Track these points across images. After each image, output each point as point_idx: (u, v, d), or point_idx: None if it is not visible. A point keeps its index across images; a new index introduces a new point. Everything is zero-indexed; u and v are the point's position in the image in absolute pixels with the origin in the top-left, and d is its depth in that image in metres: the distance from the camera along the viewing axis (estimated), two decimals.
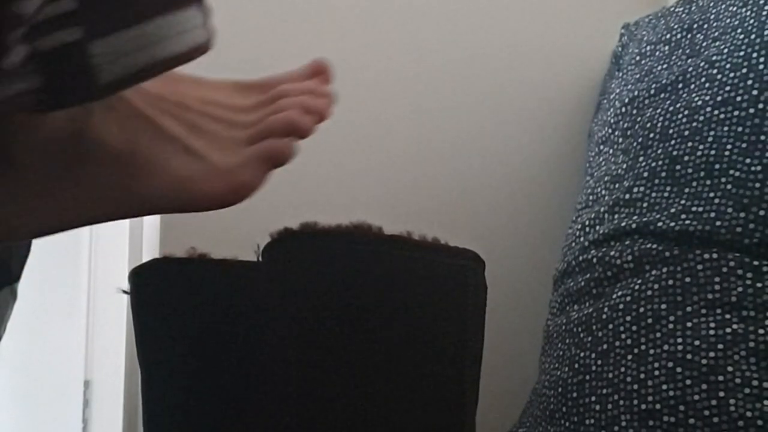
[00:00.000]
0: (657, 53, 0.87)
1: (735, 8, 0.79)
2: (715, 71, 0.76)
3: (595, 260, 0.78)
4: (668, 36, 0.86)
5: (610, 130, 0.87)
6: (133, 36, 0.35)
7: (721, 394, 0.64)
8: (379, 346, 0.49)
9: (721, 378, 0.65)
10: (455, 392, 0.50)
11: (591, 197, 0.85)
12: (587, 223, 0.82)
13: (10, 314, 0.51)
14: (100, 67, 0.35)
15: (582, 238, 0.82)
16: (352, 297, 0.49)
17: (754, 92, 0.72)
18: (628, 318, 0.72)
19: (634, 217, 0.76)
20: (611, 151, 0.85)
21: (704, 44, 0.80)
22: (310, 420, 0.47)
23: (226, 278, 0.54)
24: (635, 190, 0.77)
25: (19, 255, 0.50)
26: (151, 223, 0.95)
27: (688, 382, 0.66)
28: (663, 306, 0.70)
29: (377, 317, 0.49)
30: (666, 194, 0.75)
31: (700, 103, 0.76)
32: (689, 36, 0.83)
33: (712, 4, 0.83)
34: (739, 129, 0.71)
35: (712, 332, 0.67)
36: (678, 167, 0.74)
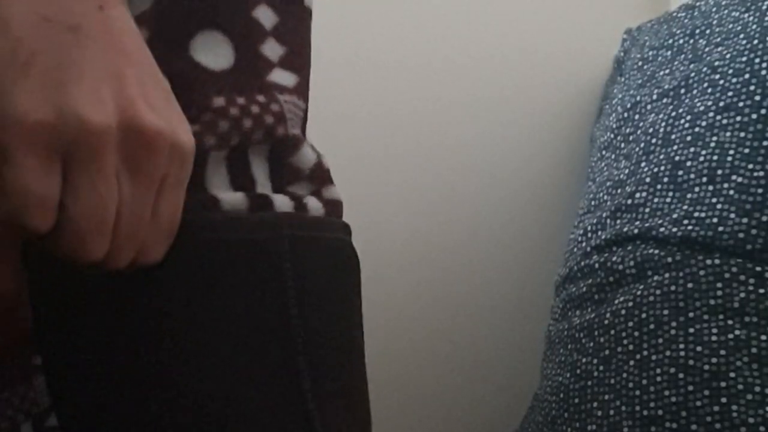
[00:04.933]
0: (659, 58, 0.87)
1: (737, 14, 0.79)
2: (717, 76, 0.76)
3: (597, 266, 0.78)
4: (670, 41, 0.86)
5: (612, 135, 0.87)
6: None
7: (724, 400, 0.64)
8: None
9: (723, 384, 0.64)
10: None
11: (593, 202, 0.84)
12: (589, 228, 0.82)
13: None
14: None
15: (584, 244, 0.82)
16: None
17: (757, 97, 0.72)
18: (630, 324, 0.72)
19: (636, 223, 0.76)
20: (613, 156, 0.85)
21: (707, 49, 0.80)
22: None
23: None
24: (637, 195, 0.77)
25: None
26: None
27: (691, 388, 0.66)
28: (665, 312, 0.70)
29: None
30: (668, 200, 0.74)
31: (702, 108, 0.76)
32: (691, 41, 0.83)
33: (714, 10, 0.83)
34: (742, 134, 0.71)
35: (714, 338, 0.67)
36: (680, 173, 0.74)
